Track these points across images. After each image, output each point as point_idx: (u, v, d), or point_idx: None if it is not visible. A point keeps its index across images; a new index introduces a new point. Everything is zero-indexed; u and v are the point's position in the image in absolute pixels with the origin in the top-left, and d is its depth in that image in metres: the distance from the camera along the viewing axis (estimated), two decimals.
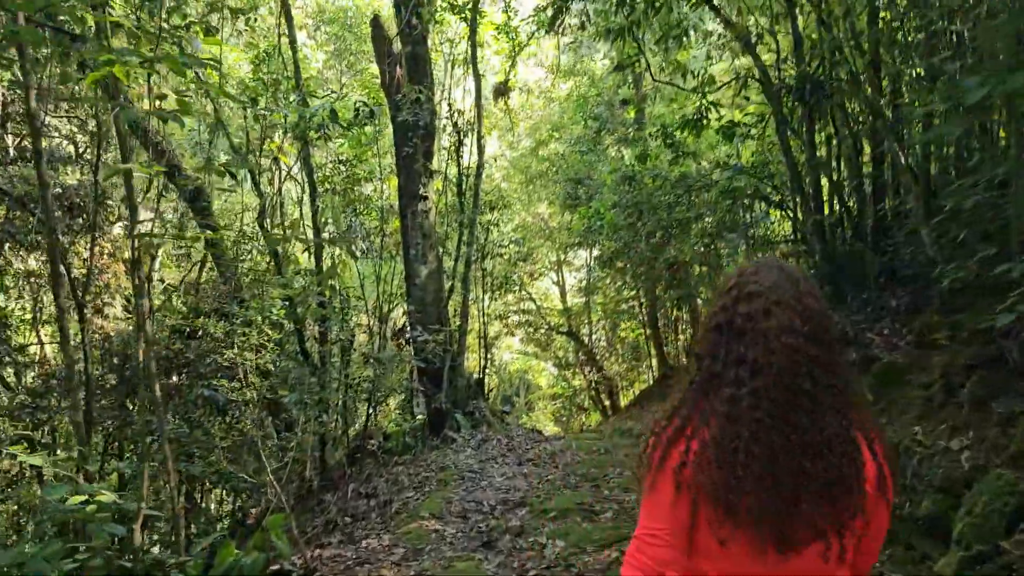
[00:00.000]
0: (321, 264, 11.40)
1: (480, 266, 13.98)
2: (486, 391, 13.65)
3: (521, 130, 24.56)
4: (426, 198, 12.21)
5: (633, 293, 18.77)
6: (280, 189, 11.80)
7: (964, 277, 5.34)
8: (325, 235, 11.72)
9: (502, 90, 15.16)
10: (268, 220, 11.32)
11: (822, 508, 1.44)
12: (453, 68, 12.99)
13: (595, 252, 19.30)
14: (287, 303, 11.44)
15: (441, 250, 12.96)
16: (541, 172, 20.46)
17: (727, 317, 1.61)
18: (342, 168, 12.30)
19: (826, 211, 8.72)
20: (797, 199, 9.17)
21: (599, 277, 20.58)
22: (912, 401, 5.17)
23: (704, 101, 8.54)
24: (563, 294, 24.52)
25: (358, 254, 13.10)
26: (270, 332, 12.04)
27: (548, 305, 25.64)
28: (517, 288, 16.65)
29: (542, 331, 23.19)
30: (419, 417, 12.43)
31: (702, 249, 11.57)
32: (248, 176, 11.25)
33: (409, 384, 12.97)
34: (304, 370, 10.55)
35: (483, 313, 14.57)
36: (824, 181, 8.60)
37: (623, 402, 21.11)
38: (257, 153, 11.38)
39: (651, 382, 18.86)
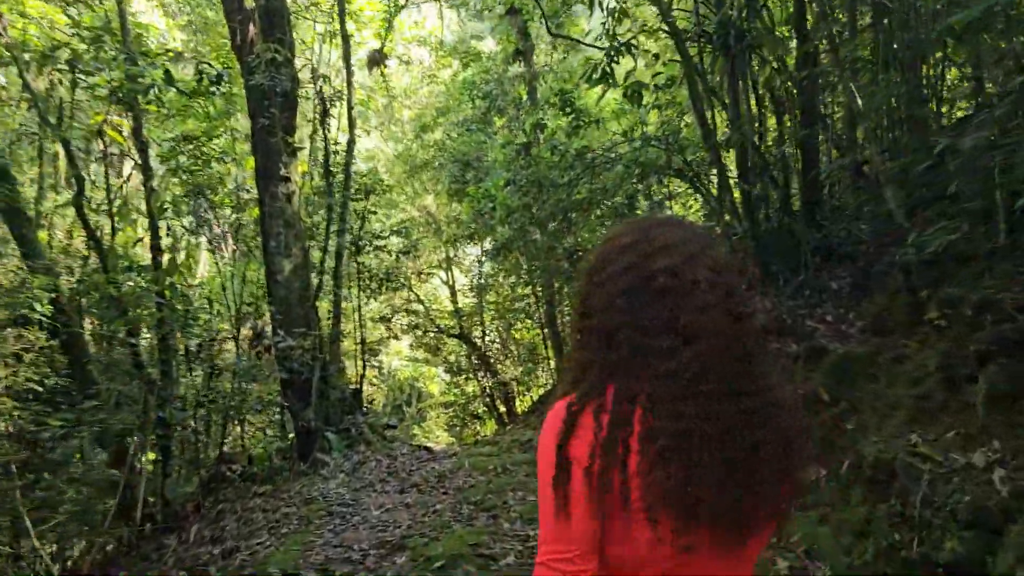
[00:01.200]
0: (159, 258, 9.56)
1: (355, 260, 12.40)
2: (365, 404, 12.07)
3: (404, 117, 23.04)
4: (287, 180, 10.56)
5: (528, 289, 17.62)
6: (107, 169, 9.86)
7: (945, 244, 4.33)
8: (167, 224, 9.87)
9: (377, 58, 13.60)
10: (87, 204, 9.38)
11: (780, 483, 1.28)
12: (317, 27, 11.34)
13: (486, 245, 18.03)
14: (115, 307, 9.61)
15: (310, 244, 11.32)
16: (426, 160, 19.01)
17: (641, 275, 1.33)
18: (187, 146, 10.46)
19: (749, 184, 7.74)
20: (714, 172, 8.18)
21: (491, 274, 19.32)
22: (897, 401, 4.07)
23: (611, 42, 7.35)
24: (453, 294, 23.10)
25: (206, 247, 11.28)
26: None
27: (438, 307, 24.18)
28: (402, 287, 15.04)
29: (431, 335, 21.70)
30: (291, 436, 10.78)
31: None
32: (65, 152, 9.29)
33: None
34: (134, 386, 8.75)
35: (360, 315, 12.96)
36: (746, 148, 7.61)
37: (520, 409, 19.92)
38: (72, 124, 9.44)
39: (550, 386, 17.74)
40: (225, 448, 11.33)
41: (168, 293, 9.39)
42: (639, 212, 11.43)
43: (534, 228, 10.17)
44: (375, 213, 12.86)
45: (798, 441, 1.32)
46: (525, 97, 15.28)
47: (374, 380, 24.21)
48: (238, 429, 10.61)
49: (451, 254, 21.50)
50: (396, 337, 17.91)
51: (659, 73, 8.89)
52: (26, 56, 9.16)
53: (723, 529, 1.25)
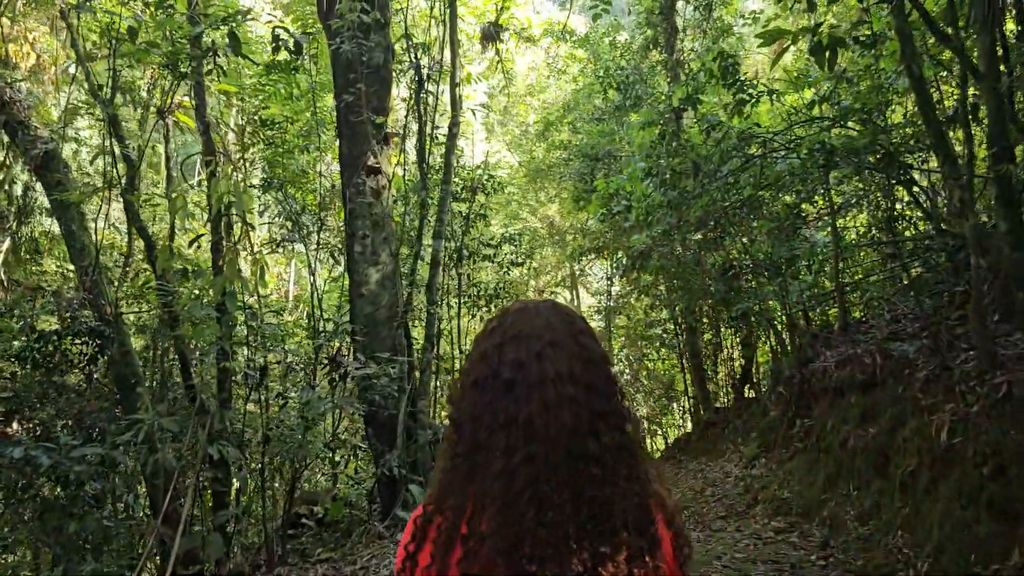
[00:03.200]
0: (220, 262, 8.13)
1: (457, 271, 10.66)
2: None
3: (530, 120, 21.35)
4: (377, 171, 8.94)
5: (665, 313, 15.35)
6: (168, 153, 8.58)
7: None
8: (232, 221, 8.43)
9: (492, 32, 11.87)
10: (138, 196, 8.07)
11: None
12: None
13: (618, 259, 15.94)
14: (167, 320, 8.30)
15: (403, 250, 9.65)
16: (550, 164, 17.16)
17: (490, 367, 1.34)
18: (265, 131, 9.06)
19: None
20: (931, 158, 5.83)
21: (621, 294, 17.17)
22: None
23: None
24: None
25: (283, 252, 9.84)
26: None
27: None
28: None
29: None
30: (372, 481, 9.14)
31: (774, 247, 8.19)
32: (110, 132, 8.03)
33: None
34: (175, 418, 7.28)
35: (461, 338, 11.18)
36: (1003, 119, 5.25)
37: (653, 451, 17.57)
38: (130, 100, 8.18)
39: (689, 428, 15.37)
40: (302, 491, 9.85)
41: (229, 304, 7.88)
42: (808, 218, 9.08)
43: (678, 235, 8.05)
44: (485, 217, 11.12)
45: (644, 559, 1.25)
46: (666, 87, 13.17)
47: None
48: (316, 472, 9.00)
49: (576, 270, 19.54)
50: None
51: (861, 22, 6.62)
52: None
53: None
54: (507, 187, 15.71)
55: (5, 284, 9.11)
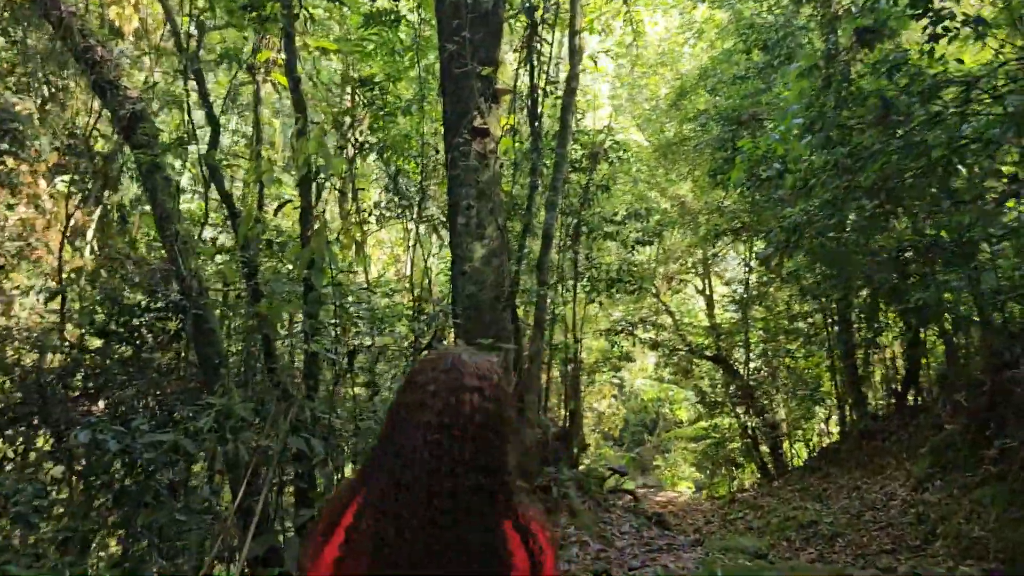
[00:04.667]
0: (308, 232, 7.38)
1: (573, 249, 9.53)
2: (577, 448, 9.07)
3: (661, 94, 19.82)
4: (484, 132, 7.96)
5: (811, 305, 13.65)
6: (258, 116, 7.92)
7: None
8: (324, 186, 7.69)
9: None
10: (222, 158, 7.43)
11: None
12: None
13: (757, 246, 14.33)
14: (253, 294, 7.70)
15: (512, 224, 8.65)
16: (683, 137, 15.70)
17: (395, 404, 1.66)
18: (364, 91, 8.27)
19: None
20: None
21: (761, 281, 15.51)
22: None
23: None
24: (710, 306, 19.50)
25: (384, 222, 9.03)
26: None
27: (690, 320, 20.68)
28: (642, 290, 11.74)
29: (681, 354, 18.29)
30: None
31: (972, 222, 6.59)
32: (197, 93, 7.43)
33: None
34: (244, 404, 6.59)
35: (576, 324, 9.98)
36: None
37: (792, 459, 15.89)
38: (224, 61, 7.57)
39: (838, 436, 13.64)
40: None
41: (315, 280, 7.12)
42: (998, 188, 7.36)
43: (846, 206, 6.57)
44: (607, 189, 9.91)
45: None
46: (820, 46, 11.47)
47: (605, 406, 21.29)
48: None
49: (708, 256, 17.95)
50: (630, 358, 14.73)
51: None
52: None
53: None
54: (634, 164, 14.45)
55: (97, 253, 8.80)
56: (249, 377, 8.01)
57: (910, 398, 12.12)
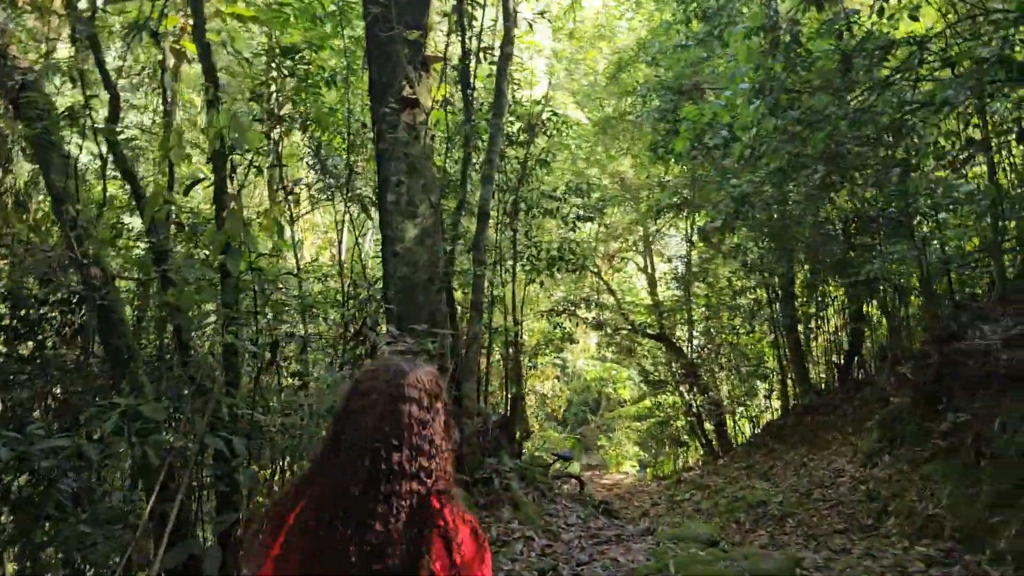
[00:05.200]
0: (224, 212, 6.80)
1: (511, 226, 9.10)
2: (520, 436, 8.67)
3: (599, 71, 19.46)
4: (413, 103, 7.48)
5: (755, 279, 13.53)
6: (164, 86, 7.27)
7: None
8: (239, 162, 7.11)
9: None
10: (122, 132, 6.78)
11: None
12: None
13: (699, 221, 14.13)
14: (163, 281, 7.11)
15: (446, 202, 8.19)
16: (622, 113, 15.39)
17: (340, 410, 1.79)
18: (287, 62, 7.67)
19: None
20: None
21: (703, 257, 15.36)
22: None
23: None
24: (652, 284, 19.34)
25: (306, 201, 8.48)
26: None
27: (632, 299, 20.51)
28: (584, 269, 11.33)
29: (624, 333, 18.09)
30: None
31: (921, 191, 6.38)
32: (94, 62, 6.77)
33: None
34: (157, 403, 6.02)
35: (516, 306, 9.57)
36: None
37: (736, 436, 15.87)
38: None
39: (782, 412, 13.62)
40: None
41: (231, 264, 6.55)
42: (952, 163, 7.21)
43: (796, 175, 6.29)
44: (546, 164, 9.49)
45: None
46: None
47: (548, 388, 21.02)
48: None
49: (650, 232, 17.73)
50: (572, 339, 14.41)
51: None
52: None
53: None
54: (574, 140, 14.07)
55: None
56: (163, 372, 7.40)
57: (855, 373, 12.11)
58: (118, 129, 6.74)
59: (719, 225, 7.13)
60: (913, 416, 8.24)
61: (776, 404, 15.14)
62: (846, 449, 9.77)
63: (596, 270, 18.82)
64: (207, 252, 7.05)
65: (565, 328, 13.15)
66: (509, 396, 8.74)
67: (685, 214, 13.08)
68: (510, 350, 9.54)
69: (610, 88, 16.47)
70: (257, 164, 7.05)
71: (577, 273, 10.75)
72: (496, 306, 9.33)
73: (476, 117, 7.63)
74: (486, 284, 7.57)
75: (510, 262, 9.18)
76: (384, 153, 7.51)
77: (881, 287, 8.08)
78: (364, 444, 1.62)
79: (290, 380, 7.13)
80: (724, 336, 15.89)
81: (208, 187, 7.18)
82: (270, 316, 7.24)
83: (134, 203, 7.07)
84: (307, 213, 14.23)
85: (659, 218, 13.84)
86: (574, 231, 10.23)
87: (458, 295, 8.41)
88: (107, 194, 6.86)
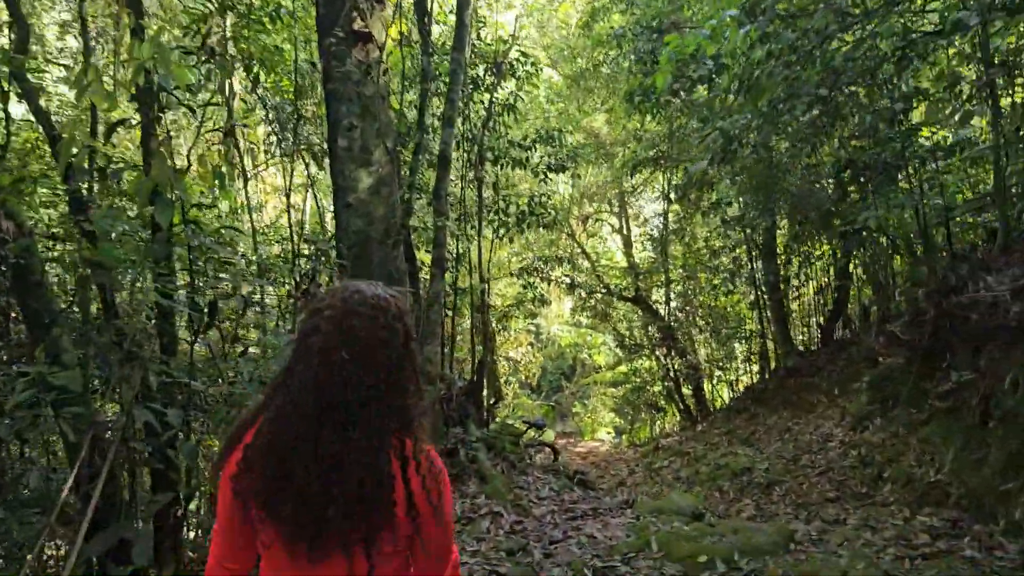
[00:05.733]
0: (150, 157, 6.09)
1: (476, 175, 8.43)
2: (486, 403, 8.08)
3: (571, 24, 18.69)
4: (367, 37, 6.78)
5: (737, 235, 13.01)
6: (83, 15, 6.49)
7: None
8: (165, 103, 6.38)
9: None
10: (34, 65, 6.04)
11: (348, 523, 1.58)
12: None
13: (676, 177, 13.54)
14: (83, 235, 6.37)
15: (403, 149, 7.52)
16: (596, 64, 14.69)
17: (298, 330, 1.76)
18: None
19: None
20: None
21: (681, 216, 14.79)
22: None
23: None
24: (628, 245, 18.81)
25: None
26: None
27: (607, 261, 19.99)
28: (557, 226, 10.59)
29: (598, 296, 17.57)
30: None
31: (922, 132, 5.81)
32: None
33: None
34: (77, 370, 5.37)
35: (483, 264, 8.87)
36: None
37: (715, 400, 15.48)
38: None
39: (763, 374, 13.19)
40: None
41: (159, 215, 5.85)
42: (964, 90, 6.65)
43: (790, 109, 5.69)
44: (514, 108, 8.78)
45: (371, 501, 1.58)
46: None
47: (522, 354, 20.48)
48: None
49: (626, 189, 17.13)
50: (545, 301, 13.79)
51: None
52: None
53: (296, 540, 1.60)
54: (542, 92, 13.34)
55: None
56: (90, 336, 6.71)
57: (838, 332, 11.69)
58: (24, 59, 5.97)
59: (704, 166, 6.54)
60: (907, 376, 7.79)
61: (755, 367, 14.74)
62: (833, 412, 9.34)
63: (570, 231, 18.24)
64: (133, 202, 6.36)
65: (538, 290, 12.56)
66: (476, 362, 8.12)
67: (663, 167, 12.48)
68: (477, 312, 8.92)
69: (583, 40, 15.72)
70: (189, 104, 6.32)
71: (550, 230, 10.09)
72: (461, 266, 8.71)
73: (435, 50, 6.92)
74: (449, 238, 6.93)
75: (476, 218, 8.54)
76: (333, 93, 6.81)
77: (871, 240, 7.56)
78: (317, 360, 1.61)
79: (230, 346, 6.49)
80: (702, 298, 15.43)
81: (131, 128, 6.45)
82: (211, 276, 6.57)
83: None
84: (261, 169, 13.43)
85: (635, 173, 13.23)
86: (546, 182, 9.56)
87: (421, 255, 7.76)
88: (10, 135, 6.09)
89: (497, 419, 7.59)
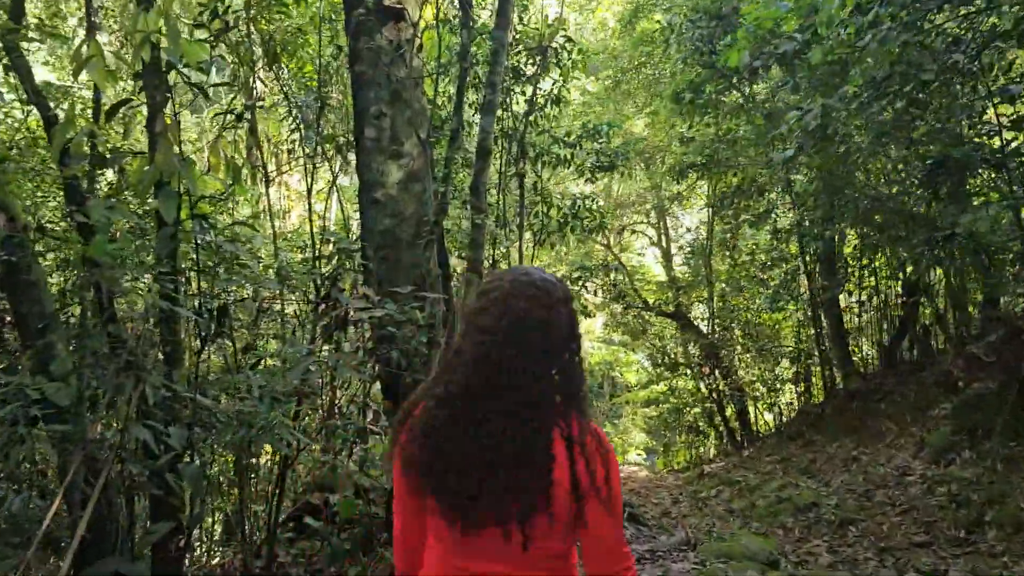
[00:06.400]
0: (155, 143, 5.50)
1: (518, 168, 7.74)
2: None
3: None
4: (399, 14, 6.14)
5: (791, 247, 12.22)
6: None
7: None
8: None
9: None
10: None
11: (503, 499, 1.61)
12: None
13: (723, 183, 12.77)
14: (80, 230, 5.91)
15: (435, 137, 6.85)
16: (639, 63, 14.00)
17: (465, 313, 1.83)
18: None
19: None
20: None
21: (726, 225, 13.98)
22: None
23: None
24: (668, 257, 18.03)
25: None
26: None
27: (644, 274, 19.23)
28: (600, 231, 9.76)
29: (635, 311, 16.79)
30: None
31: None
32: None
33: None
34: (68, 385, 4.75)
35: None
36: None
37: (760, 426, 14.62)
38: None
39: (818, 397, 12.34)
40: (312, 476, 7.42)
41: (163, 207, 5.22)
42: None
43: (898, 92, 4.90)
44: (559, 102, 8.07)
45: (529, 479, 1.60)
46: None
47: None
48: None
49: (665, 199, 16.36)
50: (588, 314, 13.05)
51: None
52: None
53: (452, 511, 1.66)
54: (582, 93, 12.64)
55: None
56: (85, 345, 6.09)
57: (903, 353, 10.83)
58: (20, 30, 5.41)
59: (791, 154, 5.79)
60: (1000, 404, 6.97)
61: (804, 389, 13.85)
62: (906, 442, 8.49)
63: (605, 242, 17.53)
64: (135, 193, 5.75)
65: (581, 299, 11.81)
66: None
67: (712, 173, 11.70)
68: None
69: (623, 40, 15.04)
70: (201, 85, 5.71)
71: (595, 236, 9.31)
72: (500, 266, 8.02)
73: (475, 31, 6.28)
74: (487, 240, 6.23)
75: (516, 219, 7.85)
76: (361, 77, 6.17)
77: (961, 249, 6.75)
78: (480, 339, 1.66)
79: (241, 356, 5.84)
80: (747, 315, 14.57)
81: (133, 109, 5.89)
82: (221, 278, 5.93)
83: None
84: (285, 172, 12.86)
85: (683, 179, 12.45)
86: (593, 181, 8.82)
87: (454, 260, 7.10)
88: None
89: None
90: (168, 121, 5.57)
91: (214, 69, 5.97)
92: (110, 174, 7.17)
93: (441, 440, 1.64)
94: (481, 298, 1.71)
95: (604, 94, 15.60)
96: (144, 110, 5.84)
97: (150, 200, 5.81)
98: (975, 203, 6.36)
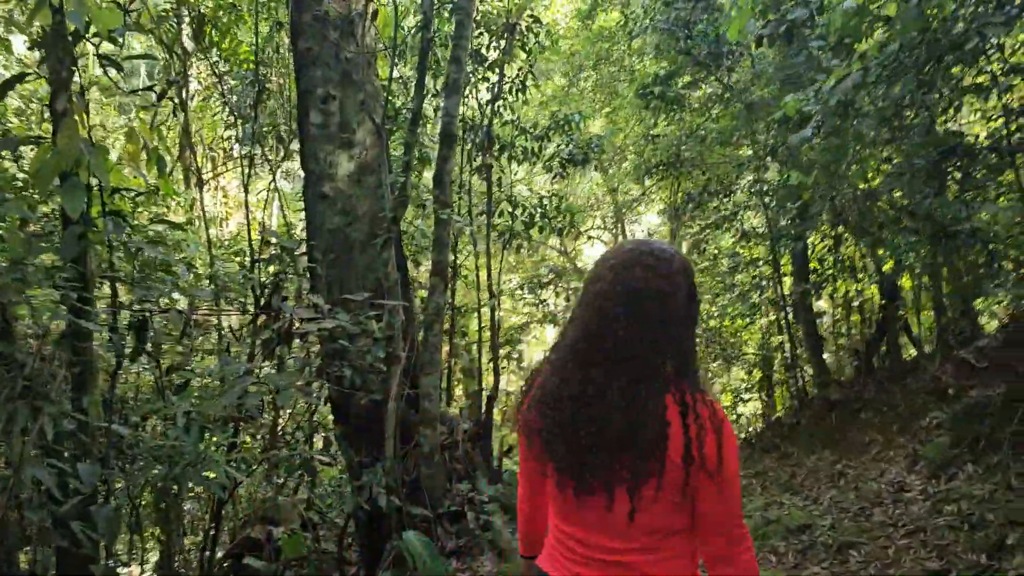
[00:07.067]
0: (58, 125, 4.65)
1: (485, 159, 7.01)
2: (495, 451, 6.51)
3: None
4: None
5: (759, 250, 11.79)
6: None
7: None
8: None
9: None
10: None
11: (612, 465, 1.62)
12: None
13: (687, 185, 12.28)
14: None
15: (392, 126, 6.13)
16: (596, 60, 13.44)
17: (584, 279, 1.83)
18: None
19: None
20: None
21: (687, 230, 13.50)
22: None
23: None
24: None
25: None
26: None
27: None
28: (569, 229, 9.02)
29: None
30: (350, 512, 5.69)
31: None
32: None
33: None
34: None
35: (494, 276, 7.26)
36: None
37: (737, 432, 14.11)
38: None
39: (794, 405, 11.87)
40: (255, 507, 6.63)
41: (67, 203, 4.41)
42: None
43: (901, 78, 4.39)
44: (524, 89, 7.39)
45: (640, 445, 1.58)
46: None
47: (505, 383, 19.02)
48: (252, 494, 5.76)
49: (623, 202, 15.80)
50: (556, 320, 12.41)
51: None
52: None
53: (565, 474, 1.69)
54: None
55: None
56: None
57: (882, 359, 10.42)
58: None
59: (808, 135, 5.24)
60: (1005, 413, 6.51)
61: (778, 398, 13.43)
62: (896, 454, 8.01)
63: (561, 248, 16.96)
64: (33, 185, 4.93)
65: (546, 305, 11.14)
66: (484, 395, 6.61)
67: (678, 173, 11.18)
68: (485, 334, 7.43)
69: (579, 38, 14.48)
70: (112, 57, 4.89)
71: (563, 235, 8.67)
72: (459, 278, 7.31)
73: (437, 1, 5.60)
74: (448, 235, 5.51)
75: (481, 217, 7.14)
76: (306, 54, 5.45)
77: (965, 246, 6.29)
78: (595, 308, 1.68)
79: (165, 378, 5.03)
80: (712, 322, 14.09)
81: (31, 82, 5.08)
82: (139, 285, 5.12)
83: None
84: (221, 174, 11.98)
85: (645, 180, 11.91)
86: (564, 176, 8.17)
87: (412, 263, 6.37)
88: None
89: (505, 470, 6.15)
90: (73, 101, 4.75)
91: (128, 37, 5.18)
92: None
93: (555, 405, 1.67)
94: (598, 266, 1.72)
95: (561, 93, 15.01)
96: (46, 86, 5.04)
97: (54, 194, 4.98)
98: (980, 199, 5.90)
